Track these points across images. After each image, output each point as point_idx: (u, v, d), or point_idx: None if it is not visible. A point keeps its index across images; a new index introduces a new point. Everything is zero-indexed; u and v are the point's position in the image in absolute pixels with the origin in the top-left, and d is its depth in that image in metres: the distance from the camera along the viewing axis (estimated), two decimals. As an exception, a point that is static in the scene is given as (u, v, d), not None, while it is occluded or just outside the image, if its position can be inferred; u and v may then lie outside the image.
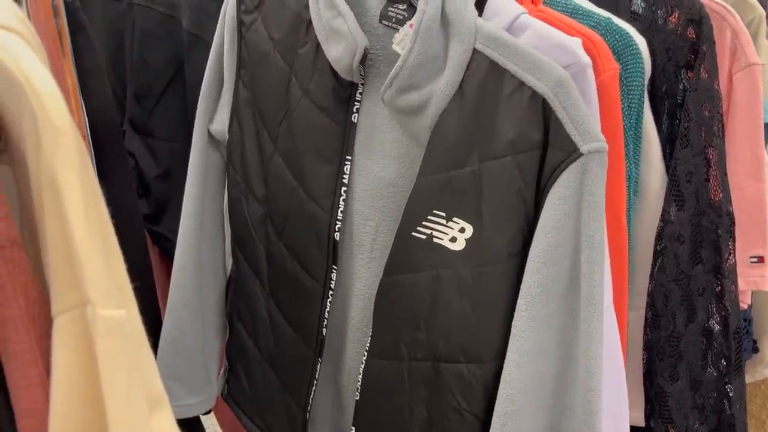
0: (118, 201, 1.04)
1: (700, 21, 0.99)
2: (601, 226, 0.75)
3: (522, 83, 0.72)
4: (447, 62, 0.75)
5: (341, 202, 0.86)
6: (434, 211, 0.78)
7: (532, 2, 0.85)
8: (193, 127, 1.00)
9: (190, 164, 1.00)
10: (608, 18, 0.90)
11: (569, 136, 0.71)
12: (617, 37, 0.89)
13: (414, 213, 0.79)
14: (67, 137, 0.40)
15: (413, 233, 0.79)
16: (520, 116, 0.73)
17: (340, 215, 0.86)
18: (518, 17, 0.79)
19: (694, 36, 0.99)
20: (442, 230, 0.78)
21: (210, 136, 0.98)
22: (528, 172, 0.74)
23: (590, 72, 0.77)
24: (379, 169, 0.84)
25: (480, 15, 0.78)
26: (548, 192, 0.73)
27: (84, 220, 0.40)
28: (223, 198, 1.02)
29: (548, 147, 0.73)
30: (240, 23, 0.90)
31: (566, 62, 0.75)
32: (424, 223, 0.79)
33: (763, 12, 1.26)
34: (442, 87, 0.75)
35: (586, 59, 0.77)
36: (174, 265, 1.03)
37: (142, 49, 1.28)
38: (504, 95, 0.73)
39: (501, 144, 0.74)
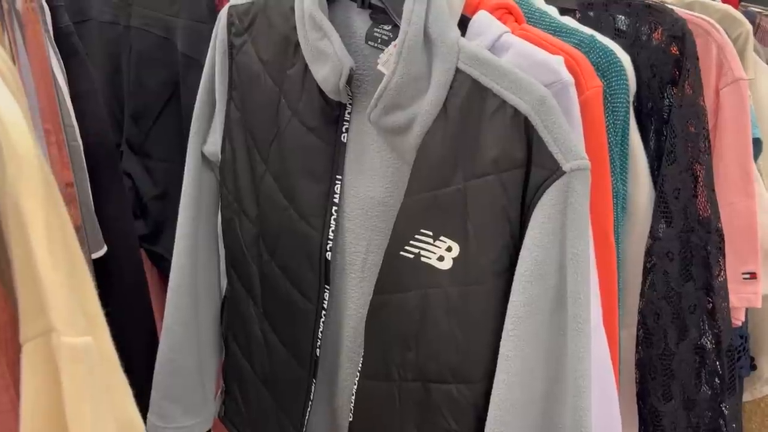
0: (114, 223, 1.05)
1: (682, 37, 0.99)
2: (586, 243, 0.74)
3: (504, 102, 0.73)
4: (431, 82, 0.75)
5: (332, 222, 0.86)
6: (421, 230, 0.78)
7: (516, 21, 0.85)
8: (189, 147, 1.01)
9: (183, 185, 1.01)
10: (591, 35, 0.90)
11: (551, 154, 0.71)
12: (601, 54, 0.89)
13: (402, 232, 0.80)
14: (30, 167, 0.40)
15: (401, 252, 0.80)
16: (502, 135, 0.73)
17: (331, 234, 0.86)
18: (500, 36, 0.79)
19: (677, 52, 0.99)
20: (430, 249, 0.78)
21: (203, 156, 0.99)
22: (512, 191, 0.74)
23: (573, 90, 0.77)
24: (369, 188, 0.84)
25: (463, 35, 0.78)
26: (533, 210, 0.73)
27: (47, 248, 0.40)
28: (217, 218, 1.03)
29: (531, 165, 0.73)
30: (230, 45, 0.91)
31: (548, 80, 0.76)
32: (411, 242, 0.79)
33: (749, 27, 1.26)
34: (426, 106, 0.75)
35: (569, 77, 0.77)
36: (169, 286, 1.03)
37: (139, 71, 1.30)
38: (487, 114, 0.74)
39: (484, 163, 0.74)
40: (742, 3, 1.69)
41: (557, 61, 0.77)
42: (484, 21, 0.81)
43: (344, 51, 0.79)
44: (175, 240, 1.02)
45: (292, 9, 0.84)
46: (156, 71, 1.28)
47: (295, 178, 0.87)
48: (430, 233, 0.78)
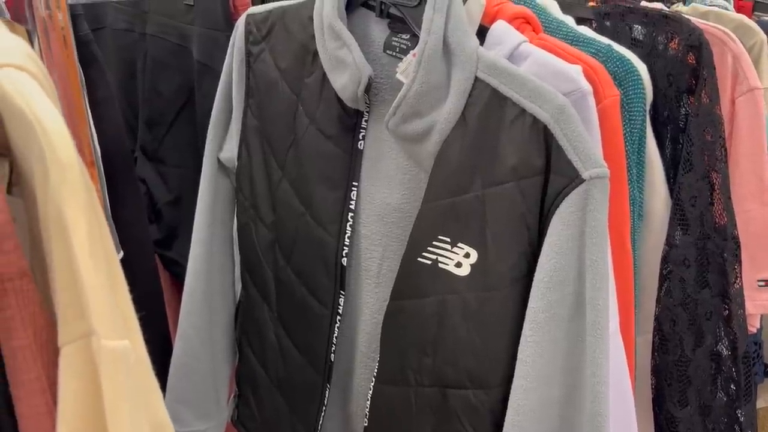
0: (129, 228, 1.05)
1: (699, 46, 0.99)
2: (604, 250, 0.75)
3: (523, 110, 0.73)
4: (449, 90, 0.76)
5: (348, 228, 0.87)
6: (439, 237, 0.78)
7: (534, 31, 0.86)
8: (203, 153, 1.02)
9: (199, 191, 1.01)
10: (609, 45, 0.91)
11: (571, 162, 0.72)
12: (618, 63, 0.90)
13: (419, 238, 0.80)
14: (73, 173, 0.41)
15: (419, 258, 0.80)
16: (521, 143, 0.73)
17: (347, 240, 0.87)
18: (519, 45, 0.80)
19: (694, 61, 1.00)
20: (448, 255, 0.78)
21: (219, 163, 1.00)
22: (531, 198, 0.74)
23: (591, 99, 0.78)
24: (385, 194, 0.85)
25: (481, 44, 0.79)
26: (551, 217, 0.74)
27: (89, 253, 0.41)
28: (232, 224, 1.03)
29: (550, 173, 0.73)
30: (248, 54, 0.92)
31: (567, 89, 0.76)
32: (429, 248, 0.79)
33: (764, 36, 1.26)
34: (444, 115, 0.76)
35: (587, 86, 0.77)
36: (184, 291, 1.04)
37: (154, 78, 1.31)
38: (506, 122, 0.74)
39: (503, 170, 0.74)
40: (756, 12, 1.69)
41: (576, 71, 0.78)
42: (502, 30, 0.82)
43: (363, 60, 0.79)
44: (191, 245, 1.03)
45: (311, 18, 0.85)
46: (171, 78, 1.29)
47: (312, 184, 0.88)
48: (448, 240, 0.78)
